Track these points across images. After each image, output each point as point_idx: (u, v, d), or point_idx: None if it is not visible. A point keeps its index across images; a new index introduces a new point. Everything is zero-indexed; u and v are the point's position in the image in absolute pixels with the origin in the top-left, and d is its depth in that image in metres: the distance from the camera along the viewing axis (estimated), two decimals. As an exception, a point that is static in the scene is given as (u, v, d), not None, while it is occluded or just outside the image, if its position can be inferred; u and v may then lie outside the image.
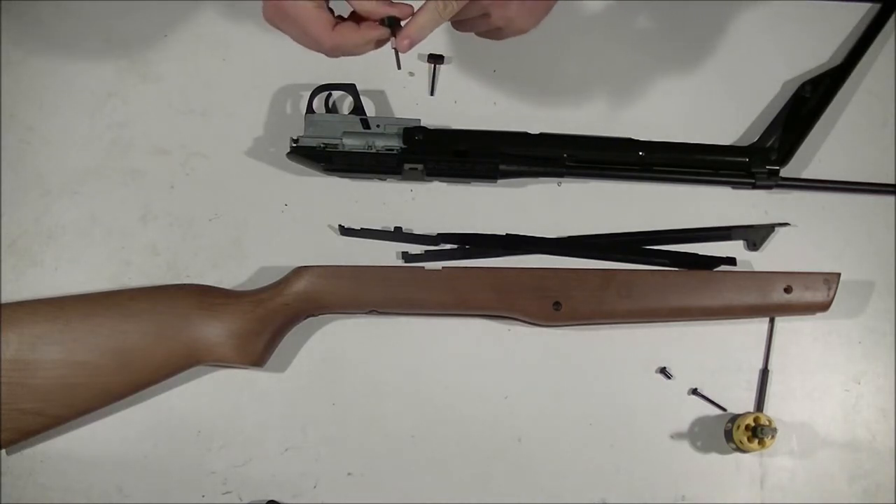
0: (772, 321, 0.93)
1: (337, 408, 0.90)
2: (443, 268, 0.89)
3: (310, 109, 0.94)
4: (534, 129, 0.96)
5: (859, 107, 1.00)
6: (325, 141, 0.93)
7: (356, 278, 0.88)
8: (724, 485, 0.90)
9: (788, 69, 1.02)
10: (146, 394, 0.88)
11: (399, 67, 0.78)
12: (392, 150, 0.93)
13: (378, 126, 0.94)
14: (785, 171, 0.96)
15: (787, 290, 0.90)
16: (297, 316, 0.89)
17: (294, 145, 0.93)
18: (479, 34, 0.83)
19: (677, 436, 0.91)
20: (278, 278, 0.89)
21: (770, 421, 0.86)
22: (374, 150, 0.93)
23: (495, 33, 0.82)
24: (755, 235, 0.96)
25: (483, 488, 0.89)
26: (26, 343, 0.84)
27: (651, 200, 0.97)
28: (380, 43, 0.75)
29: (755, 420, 0.86)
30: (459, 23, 0.80)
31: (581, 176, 0.96)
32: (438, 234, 0.94)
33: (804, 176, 0.98)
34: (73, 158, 0.96)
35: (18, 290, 0.92)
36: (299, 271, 0.88)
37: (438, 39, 0.99)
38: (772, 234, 0.96)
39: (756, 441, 0.86)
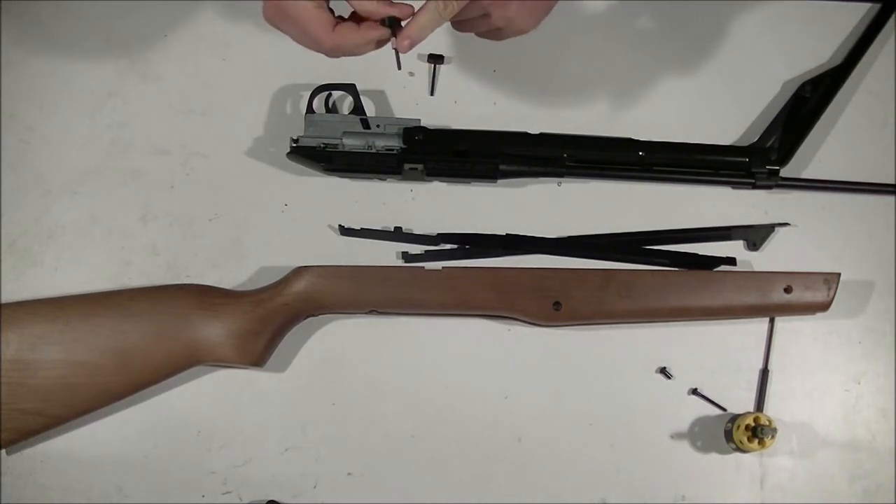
0: (772, 321, 0.93)
1: (337, 408, 0.90)
2: (443, 268, 0.89)
3: (310, 109, 0.94)
4: (534, 129, 0.96)
5: (859, 107, 1.00)
6: (325, 141, 0.93)
7: (356, 278, 0.88)
8: (724, 485, 0.90)
9: (788, 69, 1.02)
10: (146, 394, 0.88)
11: (399, 68, 0.78)
12: (392, 150, 0.93)
13: (378, 126, 0.94)
14: (785, 171, 0.96)
15: (787, 290, 0.90)
16: (297, 316, 0.89)
17: (294, 145, 0.93)
18: (480, 34, 0.83)
19: (677, 436, 0.91)
20: (278, 278, 0.89)
21: (770, 421, 0.86)
22: (374, 150, 0.93)
23: (495, 33, 0.82)
24: (755, 235, 0.96)
25: (483, 488, 0.89)
26: (26, 343, 0.84)
27: (651, 200, 0.97)
28: (380, 43, 0.75)
29: (755, 420, 0.86)
30: (459, 23, 0.80)
31: (581, 176, 0.96)
32: (438, 234, 0.94)
33: (804, 176, 0.98)
34: (73, 158, 0.96)
35: (18, 290, 0.92)
36: (299, 271, 0.88)
37: (438, 39, 0.99)
38: (772, 234, 0.96)
39: (756, 441, 0.86)
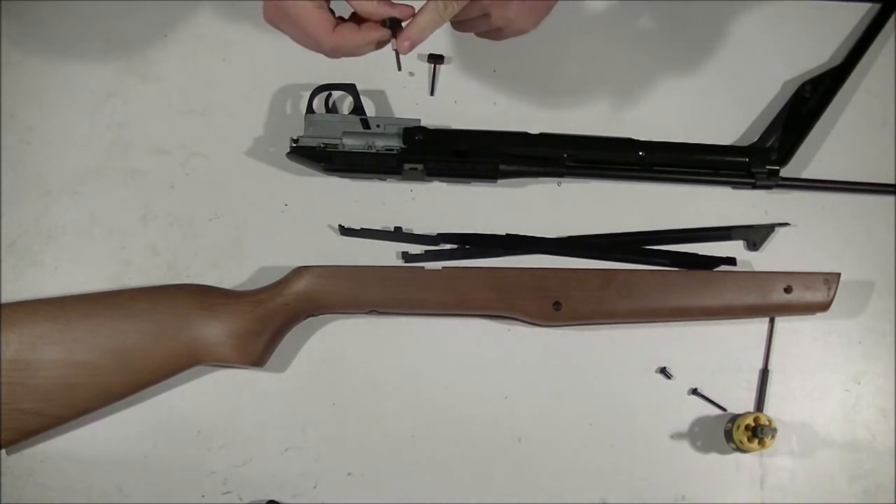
0: (772, 321, 0.93)
1: (337, 408, 0.90)
2: (443, 268, 0.89)
3: (310, 109, 0.94)
4: (534, 129, 0.96)
5: (859, 107, 1.00)
6: (325, 141, 0.93)
7: (356, 278, 0.88)
8: (724, 485, 0.90)
9: (788, 69, 1.02)
10: (146, 394, 0.88)
11: (399, 69, 0.78)
12: (392, 150, 0.93)
13: (378, 126, 0.94)
14: (785, 171, 0.96)
15: (787, 290, 0.90)
16: (297, 316, 0.89)
17: (294, 145, 0.93)
18: (479, 34, 0.83)
19: (677, 436, 0.91)
20: (278, 278, 0.89)
21: (770, 421, 0.86)
22: (374, 150, 0.93)
23: (495, 34, 0.82)
24: (755, 235, 0.96)
25: (483, 488, 0.89)
26: (26, 343, 0.84)
27: (651, 200, 0.97)
28: (380, 44, 0.75)
29: (755, 420, 0.86)
30: (460, 23, 0.80)
31: (581, 176, 0.96)
32: (438, 234, 0.94)
33: (804, 176, 0.98)
34: (73, 158, 0.96)
35: (18, 290, 0.92)
36: (299, 271, 0.88)
37: (438, 39, 0.99)
38: (772, 234, 0.96)
39: (756, 441, 0.86)
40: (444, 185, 0.97)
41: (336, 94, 0.97)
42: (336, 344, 0.92)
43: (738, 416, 0.88)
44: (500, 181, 0.95)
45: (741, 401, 0.91)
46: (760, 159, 0.96)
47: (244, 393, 0.90)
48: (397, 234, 0.94)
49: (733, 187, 0.97)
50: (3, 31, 0.99)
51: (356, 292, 0.88)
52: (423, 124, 0.94)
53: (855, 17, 1.03)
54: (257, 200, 0.95)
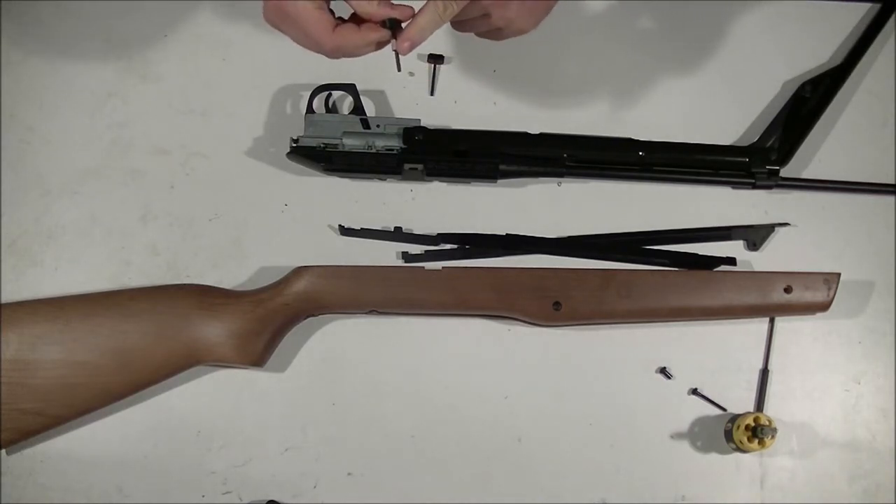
0: (772, 321, 0.93)
1: (337, 408, 0.90)
2: (443, 268, 0.89)
3: (310, 109, 0.94)
4: (534, 129, 0.96)
5: (859, 107, 1.00)
6: (325, 141, 0.93)
7: (356, 278, 0.88)
8: (724, 485, 0.90)
9: (788, 69, 1.02)
10: (146, 394, 0.88)
11: (399, 69, 0.78)
12: (392, 150, 0.93)
13: (378, 126, 0.94)
14: (785, 171, 0.96)
15: (787, 290, 0.90)
16: (297, 316, 0.89)
17: (294, 145, 0.93)
18: (479, 34, 0.83)
19: (677, 436, 0.91)
20: (278, 278, 0.89)
21: (770, 421, 0.86)
22: (374, 150, 0.93)
23: (495, 34, 0.82)
24: (755, 235, 0.96)
25: (483, 488, 0.89)
26: (26, 343, 0.84)
27: (651, 200, 0.97)
28: (380, 45, 0.75)
29: (755, 420, 0.86)
30: (459, 23, 0.80)
31: (581, 176, 0.96)
32: (438, 234, 0.94)
33: (804, 176, 0.98)
34: (73, 158, 0.96)
35: (18, 290, 0.92)
36: (299, 271, 0.88)
37: (438, 39, 0.99)
38: (772, 234, 0.96)
39: (756, 441, 0.86)
40: (444, 185, 0.97)
41: (336, 94, 0.97)
42: (336, 344, 0.92)
43: (738, 416, 0.88)
44: (500, 181, 0.95)
45: (741, 401, 0.91)
46: (760, 159, 0.96)
47: (244, 393, 0.90)
48: (397, 234, 0.94)
49: (733, 187, 0.97)
50: (3, 31, 0.99)
51: (356, 292, 0.88)
52: (423, 124, 0.94)
53: (855, 17, 1.03)
54: (257, 200, 0.95)
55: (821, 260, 0.95)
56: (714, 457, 0.90)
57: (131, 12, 1.00)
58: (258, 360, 0.87)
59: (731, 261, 0.95)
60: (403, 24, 0.74)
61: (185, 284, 0.92)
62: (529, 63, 1.00)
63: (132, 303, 0.87)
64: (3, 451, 0.86)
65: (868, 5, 1.03)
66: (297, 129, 0.94)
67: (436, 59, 0.99)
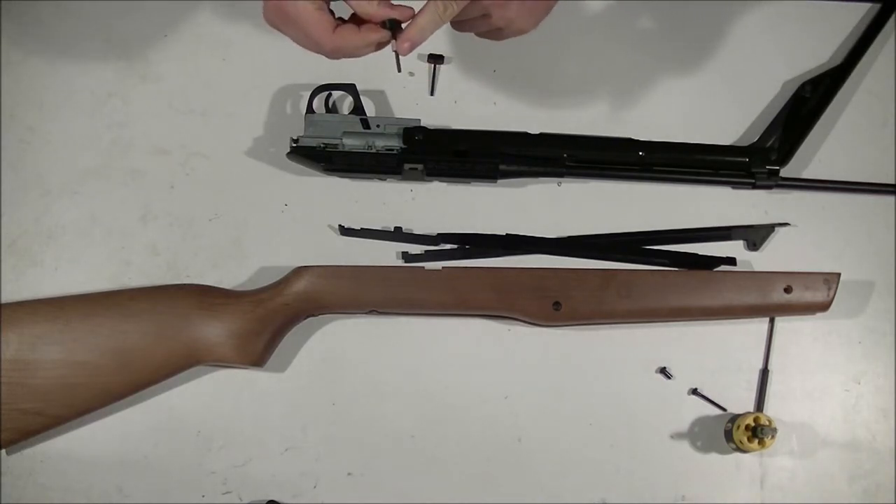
0: (772, 321, 0.93)
1: (337, 408, 0.90)
2: (443, 268, 0.89)
3: (310, 109, 0.94)
4: (534, 129, 0.96)
5: (859, 107, 1.00)
6: (325, 141, 0.93)
7: (356, 278, 0.88)
8: (724, 485, 0.90)
9: (788, 69, 1.02)
10: (146, 394, 0.88)
11: (399, 70, 0.78)
12: (392, 150, 0.93)
13: (378, 126, 0.94)
14: (785, 171, 0.96)
15: (787, 290, 0.90)
16: (297, 316, 0.89)
17: (294, 145, 0.93)
18: (479, 34, 0.83)
19: (677, 436, 0.91)
20: (278, 278, 0.89)
21: (770, 421, 0.86)
22: (374, 150, 0.93)
23: (495, 34, 0.82)
24: (755, 235, 0.96)
25: (483, 488, 0.89)
26: (26, 343, 0.84)
27: (651, 200, 0.97)
28: (380, 45, 0.75)
29: (755, 420, 0.86)
30: (459, 23, 0.80)
31: (581, 176, 0.96)
32: (438, 234, 0.94)
33: (804, 176, 0.98)
34: (73, 158, 0.96)
35: (18, 290, 0.92)
36: (299, 271, 0.88)
37: (438, 39, 0.99)
38: (772, 234, 0.96)
39: (756, 441, 0.86)
40: (444, 185, 0.97)
41: (336, 94, 0.97)
42: (336, 344, 0.92)
43: (738, 416, 0.88)
44: (500, 181, 0.95)
45: (741, 401, 0.91)
46: (760, 159, 0.96)
47: (244, 393, 0.90)
48: (397, 234, 0.94)
49: (733, 187, 0.97)
50: (3, 31, 0.99)
51: (356, 292, 0.88)
52: (423, 124, 0.94)
53: (855, 17, 1.03)
54: (257, 200, 0.95)
55: (821, 260, 0.95)
56: (714, 457, 0.90)
57: (131, 12, 1.00)
58: (258, 360, 0.87)
59: (731, 261, 0.95)
60: (403, 25, 0.74)
61: (185, 284, 0.92)
62: (529, 63, 1.00)
63: (132, 303, 0.87)
64: (3, 451, 0.86)
65: (868, 5, 1.03)
66: (297, 129, 0.94)
67: (436, 59, 0.99)
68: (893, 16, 1.02)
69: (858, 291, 0.95)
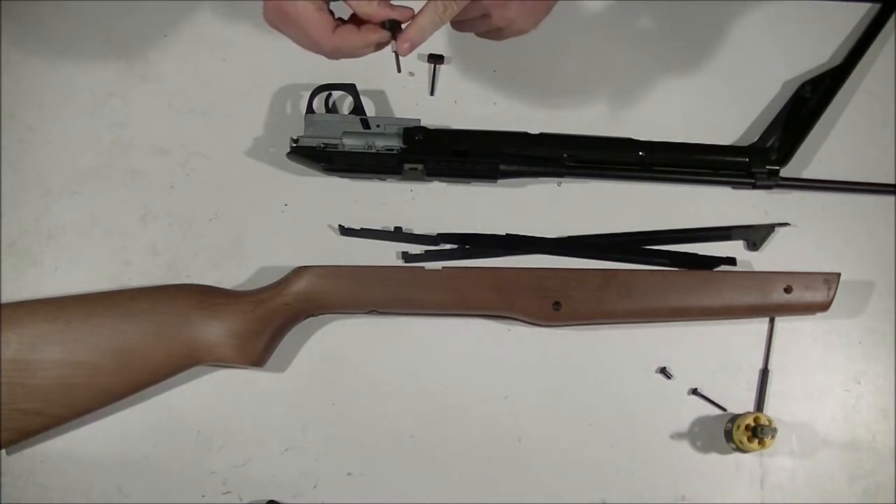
0: (772, 321, 0.93)
1: (337, 408, 0.90)
2: (443, 268, 0.89)
3: (310, 109, 0.94)
4: (534, 129, 0.96)
5: (859, 107, 1.00)
6: (325, 141, 0.93)
7: (356, 278, 0.88)
8: (724, 485, 0.90)
9: (788, 69, 1.02)
10: (146, 394, 0.88)
11: (399, 70, 0.77)
12: (392, 150, 0.93)
13: (378, 126, 0.94)
14: (785, 171, 0.96)
15: (787, 290, 0.90)
16: (297, 316, 0.89)
17: (294, 145, 0.93)
18: (479, 34, 0.83)
19: (677, 436, 0.91)
20: (278, 278, 0.89)
21: (770, 421, 0.86)
22: (374, 150, 0.93)
23: (495, 34, 0.82)
24: (755, 235, 0.96)
25: (483, 488, 0.89)
26: (26, 343, 0.84)
27: (651, 200, 0.97)
28: (380, 46, 0.75)
29: (755, 420, 0.86)
30: (459, 23, 0.80)
31: (581, 176, 0.96)
32: (438, 234, 0.94)
33: (804, 176, 0.98)
34: (73, 158, 0.96)
35: (18, 290, 0.92)
36: (299, 271, 0.88)
37: (438, 39, 0.99)
38: (772, 234, 0.96)
39: (756, 441, 0.86)
40: (444, 185, 0.97)
41: (336, 94, 0.97)
42: (336, 344, 0.92)
43: (738, 416, 0.88)
44: (500, 181, 0.95)
45: (741, 401, 0.91)
46: (760, 159, 0.96)
47: (244, 393, 0.90)
48: (397, 234, 0.94)
49: (733, 187, 0.97)
50: (3, 31, 0.99)
51: (356, 292, 0.88)
52: (423, 124, 0.94)
53: (855, 17, 1.03)
54: (257, 200, 0.95)
55: (821, 260, 0.95)
56: (714, 457, 0.90)
57: (131, 12, 1.00)
58: (258, 360, 0.87)
59: (731, 261, 0.95)
60: (403, 25, 0.74)
61: (185, 284, 0.92)
62: (529, 63, 1.00)
63: (132, 303, 0.87)
64: (3, 451, 0.86)
65: (868, 5, 1.03)
66: (297, 129, 0.94)
67: (436, 59, 0.99)
68: (893, 16, 1.02)
69: (858, 291, 0.95)
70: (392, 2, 0.73)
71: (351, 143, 0.93)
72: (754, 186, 0.96)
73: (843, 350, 0.93)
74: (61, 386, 0.84)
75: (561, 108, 1.00)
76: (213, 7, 1.01)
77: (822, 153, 0.99)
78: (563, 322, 0.90)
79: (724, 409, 0.91)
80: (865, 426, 0.92)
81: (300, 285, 0.88)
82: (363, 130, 0.94)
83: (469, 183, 0.96)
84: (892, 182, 0.97)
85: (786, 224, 0.96)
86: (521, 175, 0.95)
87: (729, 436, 0.88)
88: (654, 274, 0.91)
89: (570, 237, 0.95)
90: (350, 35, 0.73)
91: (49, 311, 0.86)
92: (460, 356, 0.92)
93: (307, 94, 0.95)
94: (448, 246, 0.94)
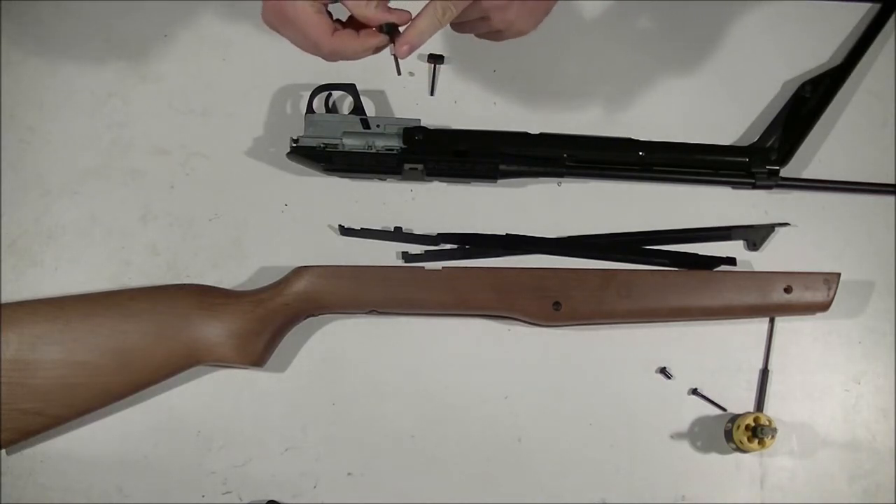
0: (772, 321, 0.93)
1: (337, 408, 0.90)
2: (443, 268, 0.89)
3: (310, 109, 0.94)
4: (534, 129, 0.96)
5: (859, 107, 1.00)
6: (325, 141, 0.93)
7: (356, 278, 0.88)
8: (724, 485, 0.90)
9: (788, 69, 1.02)
10: (146, 394, 0.88)
11: (399, 73, 0.77)
12: (392, 150, 0.93)
13: (378, 126, 0.94)
14: (785, 171, 0.96)
15: (787, 290, 0.90)
16: (297, 316, 0.89)
17: (294, 145, 0.93)
18: (479, 35, 0.83)
19: (677, 436, 0.91)
20: (278, 278, 0.89)
21: (770, 421, 0.86)
22: (374, 150, 0.93)
23: (495, 35, 0.82)
24: (755, 235, 0.96)
25: (483, 488, 0.89)
26: (26, 343, 0.84)
27: (651, 200, 0.97)
28: (379, 49, 0.75)
29: (755, 420, 0.86)
30: (459, 25, 0.80)
31: (581, 176, 0.96)
32: (438, 234, 0.94)
33: (804, 176, 0.98)
34: (73, 158, 0.96)
35: (18, 290, 0.92)
36: (299, 271, 0.88)
37: (438, 40, 0.99)
38: (772, 234, 0.96)
39: (756, 441, 0.86)
40: (444, 185, 0.97)
41: (336, 94, 0.97)
42: (336, 344, 0.92)
43: (738, 416, 0.88)
44: (500, 181, 0.95)
45: (741, 401, 0.91)
46: (760, 159, 0.96)
47: (244, 393, 0.90)
48: (397, 234, 0.94)
49: (733, 187, 0.97)
50: (3, 31, 0.99)
51: (356, 292, 0.88)
52: (423, 124, 0.94)
53: (855, 17, 1.03)
54: (257, 200, 0.95)
55: (821, 260, 0.95)
56: (714, 457, 0.90)
57: (131, 12, 1.00)
58: (258, 360, 0.87)
59: (731, 261, 0.95)
60: (401, 28, 0.73)
61: (185, 284, 0.92)
62: (529, 63, 1.00)
63: (132, 303, 0.87)
64: (3, 451, 0.87)
65: (868, 5, 1.03)
66: (297, 129, 0.94)
67: (436, 59, 0.99)
68: (893, 16, 1.02)
69: (858, 291, 0.95)
70: (390, 4, 0.73)
71: (351, 143, 0.93)
72: (754, 186, 0.96)
73: (843, 350, 0.93)
74: (61, 386, 0.84)
75: (561, 108, 1.00)
76: (213, 7, 1.01)
77: (822, 153, 0.99)
78: (563, 322, 0.90)
79: (724, 409, 0.91)
80: (865, 426, 0.92)
81: (300, 285, 0.88)
82: (363, 130, 0.94)
83: (469, 183, 0.96)
84: (892, 182, 0.97)
85: (786, 224, 0.96)
86: (521, 175, 0.95)
87: (729, 436, 0.88)
88: (654, 274, 0.91)
89: (570, 237, 0.95)
90: (349, 39, 0.73)
91: (49, 311, 0.86)
92: (460, 356, 0.92)
93: (307, 94, 0.95)
94: (448, 246, 0.94)
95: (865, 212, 0.97)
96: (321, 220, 0.95)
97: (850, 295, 0.94)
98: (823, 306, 0.90)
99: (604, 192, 0.97)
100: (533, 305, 0.89)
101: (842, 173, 0.98)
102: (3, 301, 0.89)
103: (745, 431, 0.86)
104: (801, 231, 0.96)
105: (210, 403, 0.90)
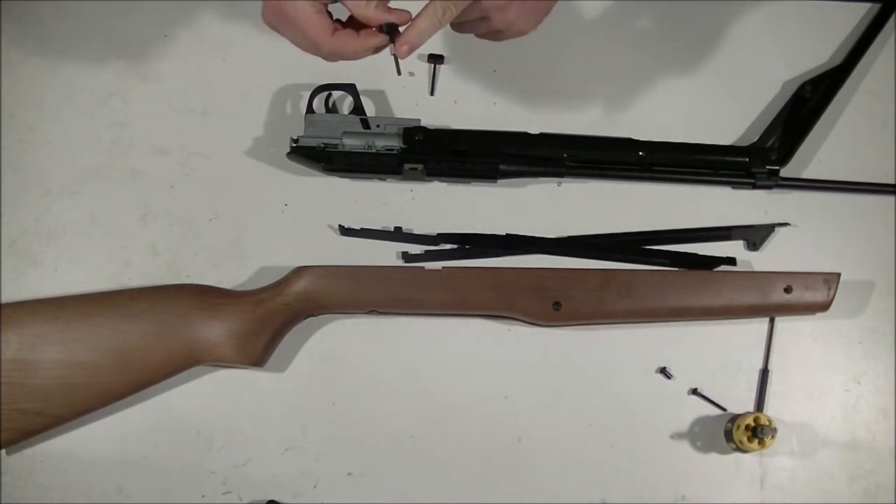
0: (772, 321, 0.93)
1: (337, 408, 0.90)
2: (443, 268, 0.89)
3: (310, 109, 0.94)
4: (534, 129, 0.96)
5: (859, 107, 1.00)
6: (325, 141, 0.93)
7: (356, 278, 0.88)
8: (724, 485, 0.90)
9: (788, 69, 1.02)
10: (146, 394, 0.88)
11: (399, 73, 0.77)
12: (392, 150, 0.93)
13: (378, 126, 0.94)
14: (785, 171, 0.96)
15: (787, 290, 0.90)
16: (297, 316, 0.89)
17: (294, 145, 0.93)
18: (479, 35, 0.83)
19: (677, 436, 0.91)
20: (278, 278, 0.89)
21: (770, 421, 0.86)
22: (374, 150, 0.93)
23: (495, 35, 0.82)
24: (755, 235, 0.96)
25: (483, 488, 0.89)
26: (26, 343, 0.84)
27: (651, 200, 0.97)
28: (378, 49, 0.75)
29: (755, 420, 0.86)
30: (459, 25, 0.80)
31: (581, 176, 0.96)
32: (438, 234, 0.94)
33: (804, 176, 0.98)
34: (73, 158, 0.96)
35: (18, 290, 0.92)
36: (299, 271, 0.88)
37: (438, 39, 0.99)
38: (772, 234, 0.96)
39: (756, 441, 0.86)
40: (444, 185, 0.97)
41: (336, 94, 0.97)
42: (336, 344, 0.92)
43: (738, 416, 0.88)
44: (500, 181, 0.95)
45: (741, 401, 0.91)
46: (760, 159, 0.96)
47: (244, 393, 0.90)
48: (397, 234, 0.94)
49: (733, 187, 0.97)
50: (3, 31, 0.99)
51: (356, 292, 0.88)
52: (423, 124, 0.94)
53: (855, 17, 1.03)
54: (257, 200, 0.95)
55: (821, 260, 0.95)
56: (714, 457, 0.90)
57: (131, 12, 1.00)
58: (258, 360, 0.87)
59: (731, 261, 0.95)
60: (401, 28, 0.73)
61: (185, 284, 0.92)
62: (529, 63, 1.00)
63: (132, 303, 0.87)
64: (3, 451, 0.87)
65: (868, 5, 1.03)
66: (297, 129, 0.94)
67: (436, 59, 0.99)
68: (893, 16, 1.02)
69: (858, 291, 0.95)
70: (391, 4, 0.73)
71: (351, 143, 0.93)
72: (754, 186, 0.96)
73: (843, 350, 0.93)
74: (61, 386, 0.84)
75: (561, 108, 1.00)
76: (213, 7, 1.01)
77: (822, 153, 0.99)
78: (563, 322, 0.90)
79: (724, 409, 0.91)
80: (865, 426, 0.92)
81: (300, 285, 0.88)
82: (363, 130, 0.94)
83: (469, 183, 0.96)
84: (892, 182, 0.97)
85: (786, 224, 0.96)
86: (521, 175, 0.95)
87: (729, 436, 0.88)
88: (654, 274, 0.91)
89: (570, 237, 0.95)
90: (349, 40, 0.73)
91: (49, 311, 0.86)
92: (460, 356, 0.92)
93: (307, 94, 0.95)
94: (448, 246, 0.94)
95: (865, 212, 0.97)
96: (321, 220, 0.95)
97: (850, 295, 0.94)
98: (823, 306, 0.90)
99: (604, 192, 0.97)
100: (533, 305, 0.89)
101: (842, 173, 0.98)
102: (3, 301, 0.89)
103: (745, 431, 0.86)
104: (801, 231, 0.96)
105: (210, 403, 0.90)
